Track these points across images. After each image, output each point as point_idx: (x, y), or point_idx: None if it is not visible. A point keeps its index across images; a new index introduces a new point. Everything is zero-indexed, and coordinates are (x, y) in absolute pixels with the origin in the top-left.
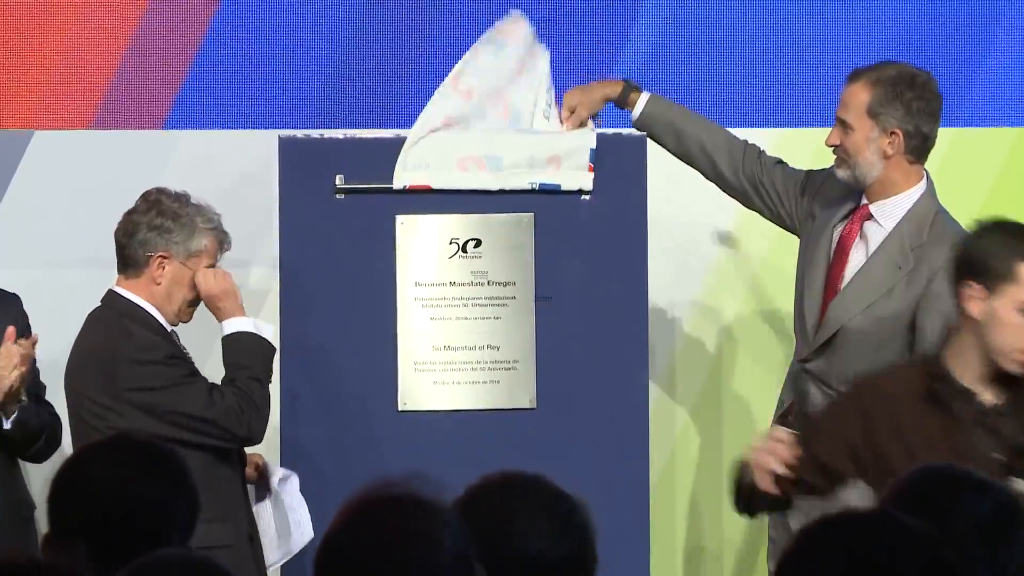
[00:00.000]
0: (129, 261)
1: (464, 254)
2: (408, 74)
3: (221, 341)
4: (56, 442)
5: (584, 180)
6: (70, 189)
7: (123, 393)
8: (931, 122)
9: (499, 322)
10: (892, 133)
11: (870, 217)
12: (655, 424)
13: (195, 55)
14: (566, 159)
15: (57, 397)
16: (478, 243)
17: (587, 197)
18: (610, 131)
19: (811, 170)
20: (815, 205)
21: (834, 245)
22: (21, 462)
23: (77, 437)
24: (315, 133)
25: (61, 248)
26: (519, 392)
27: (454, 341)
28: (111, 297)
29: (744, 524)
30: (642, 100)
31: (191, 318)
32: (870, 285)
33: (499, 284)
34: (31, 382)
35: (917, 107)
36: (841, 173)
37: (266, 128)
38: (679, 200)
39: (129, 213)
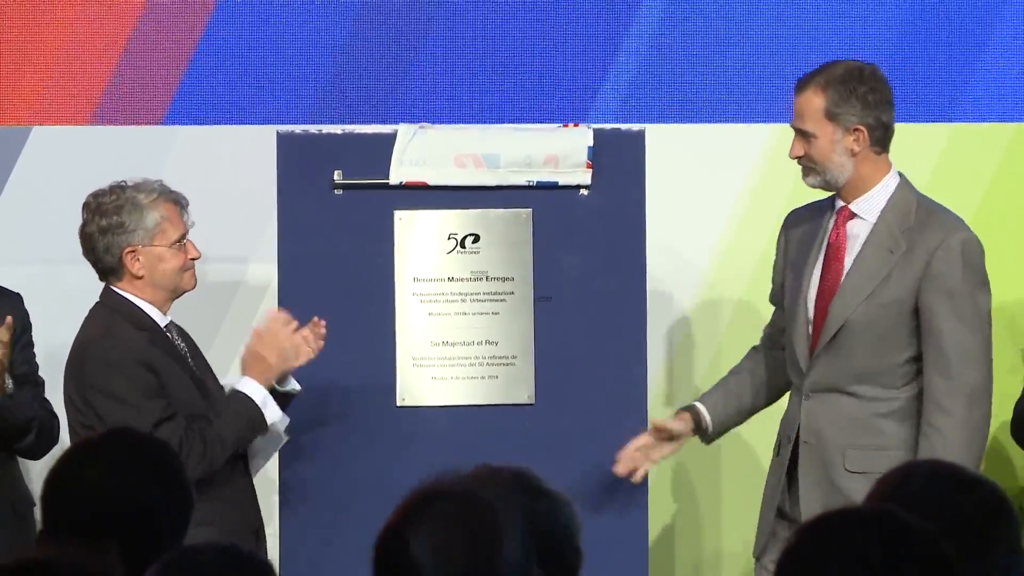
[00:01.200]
0: (106, 270)
1: (462, 250)
2: (407, 69)
3: (229, 389)
4: (52, 438)
5: (582, 178)
6: (69, 185)
7: (86, 390)
8: (888, 110)
9: (497, 318)
10: (855, 130)
11: (852, 216)
12: (653, 419)
13: (194, 50)
14: (563, 158)
15: (56, 393)
16: (476, 239)
17: (585, 193)
18: (608, 126)
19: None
20: (784, 252)
21: (823, 256)
22: (20, 460)
23: (71, 434)
24: (313, 128)
25: (60, 244)
26: (517, 388)
27: (452, 336)
28: (106, 293)
29: (743, 520)
30: (704, 419)
31: (195, 282)
32: (867, 274)
33: (497, 280)
34: (25, 372)
35: (872, 99)
36: (811, 181)
37: (264, 123)
38: (678, 195)
39: (80, 230)
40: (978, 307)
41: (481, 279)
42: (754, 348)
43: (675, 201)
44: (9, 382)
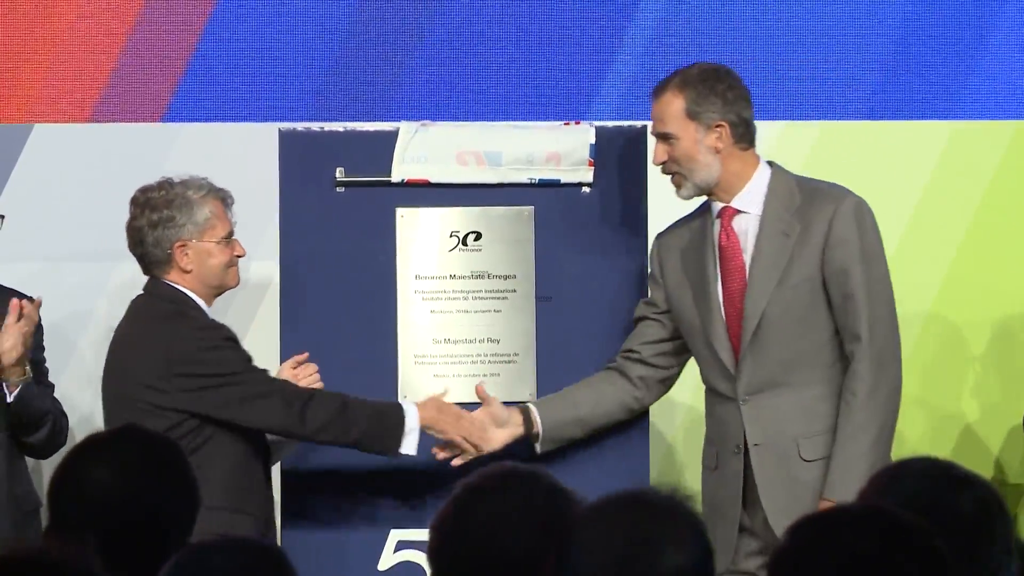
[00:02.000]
0: (153, 264)
1: (464, 247)
2: (408, 66)
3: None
4: (61, 436)
5: (584, 175)
6: (70, 182)
7: (185, 363)
8: (748, 107)
9: (499, 315)
10: (717, 127)
11: (736, 213)
12: (655, 419)
13: (194, 47)
14: (565, 156)
15: (59, 392)
16: (478, 236)
17: (587, 190)
18: (610, 124)
19: (650, 275)
20: (667, 273)
21: (718, 261)
22: (28, 459)
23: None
24: (315, 126)
25: (61, 242)
26: (519, 385)
27: (454, 334)
28: (156, 284)
29: None
30: (535, 423)
31: (238, 279)
32: (769, 263)
33: (499, 277)
34: (36, 372)
35: (731, 96)
36: (685, 192)
37: (266, 121)
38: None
39: (128, 224)
40: (883, 269)
41: (483, 277)
42: (607, 367)
43: (677, 199)
44: (28, 370)
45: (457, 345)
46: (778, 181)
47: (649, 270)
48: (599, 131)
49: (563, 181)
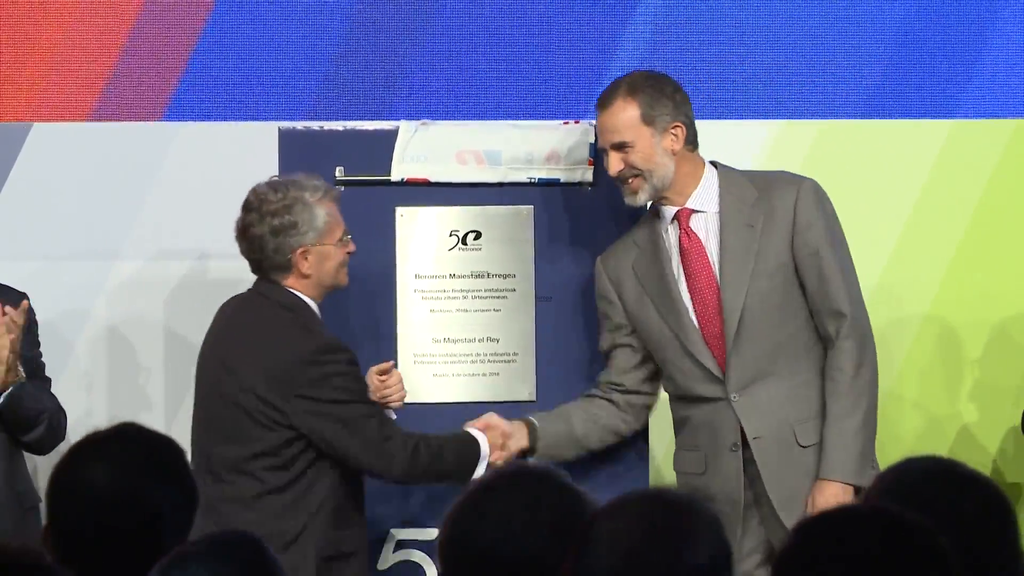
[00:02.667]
0: (271, 270)
1: (464, 246)
2: (408, 65)
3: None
4: (60, 433)
5: (584, 175)
6: (69, 181)
7: (318, 384)
8: (691, 109)
9: (499, 314)
10: (674, 128)
11: (692, 213)
12: (655, 418)
13: (194, 46)
14: (566, 155)
15: (57, 388)
16: (478, 235)
17: (588, 189)
18: None
19: (598, 297)
20: (624, 291)
21: (681, 265)
22: (27, 455)
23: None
24: (315, 125)
25: (60, 240)
26: (519, 385)
27: (454, 333)
28: (271, 288)
29: None
30: (536, 436)
31: (347, 278)
32: (740, 256)
33: (499, 276)
34: (33, 369)
35: (679, 98)
36: (642, 196)
37: (266, 120)
38: None
39: (244, 231)
40: (847, 249)
41: (482, 276)
42: (591, 394)
43: None
44: (21, 371)
45: (457, 344)
46: (728, 178)
47: (598, 294)
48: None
49: (563, 180)
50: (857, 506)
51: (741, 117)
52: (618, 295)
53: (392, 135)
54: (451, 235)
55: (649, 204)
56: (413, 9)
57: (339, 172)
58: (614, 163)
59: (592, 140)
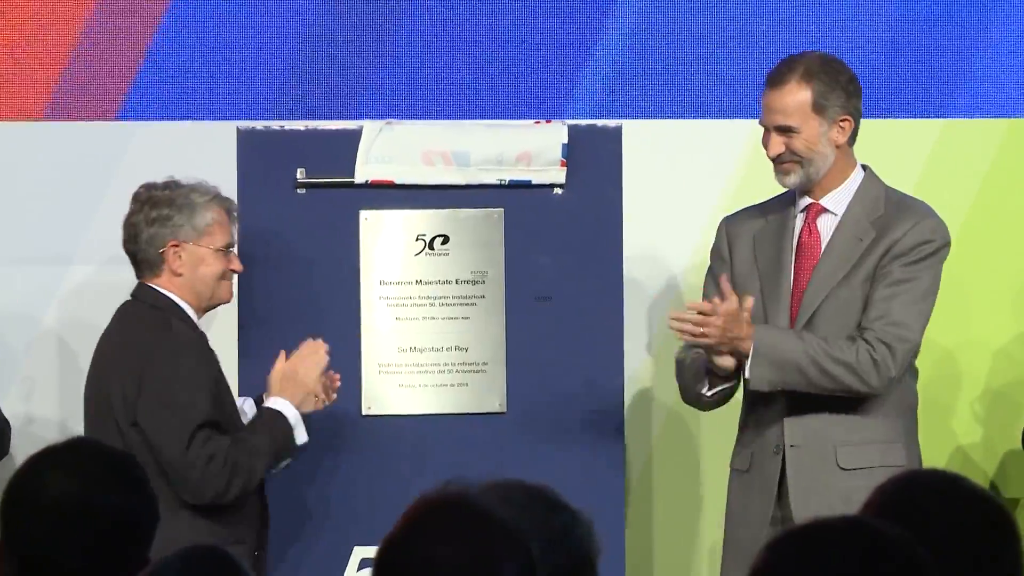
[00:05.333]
0: (144, 264)
1: (431, 251)
2: (373, 62)
3: (259, 408)
4: (4, 444)
5: (556, 176)
6: (19, 183)
7: (146, 385)
8: (860, 104)
9: (468, 322)
10: (843, 120)
11: (822, 211)
12: (631, 429)
13: (150, 42)
14: (537, 156)
15: (4, 402)
16: (446, 239)
17: (560, 192)
18: (583, 122)
19: (713, 253)
20: (736, 255)
21: (795, 257)
22: None
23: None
24: (275, 124)
25: (11, 244)
26: (488, 395)
27: (421, 342)
28: (144, 290)
29: (722, 534)
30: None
31: (231, 295)
32: (837, 263)
33: (468, 283)
34: None
35: (852, 88)
36: (792, 179)
37: (224, 119)
38: (657, 194)
39: (126, 220)
40: (930, 296)
41: (451, 282)
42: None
43: (654, 201)
44: None
45: (424, 354)
46: (868, 186)
47: (714, 251)
48: (572, 130)
49: (534, 182)
50: (834, 519)
51: (725, 116)
52: (731, 256)
53: (356, 135)
54: (417, 239)
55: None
56: (378, 4)
57: (300, 173)
58: (774, 145)
59: (565, 140)
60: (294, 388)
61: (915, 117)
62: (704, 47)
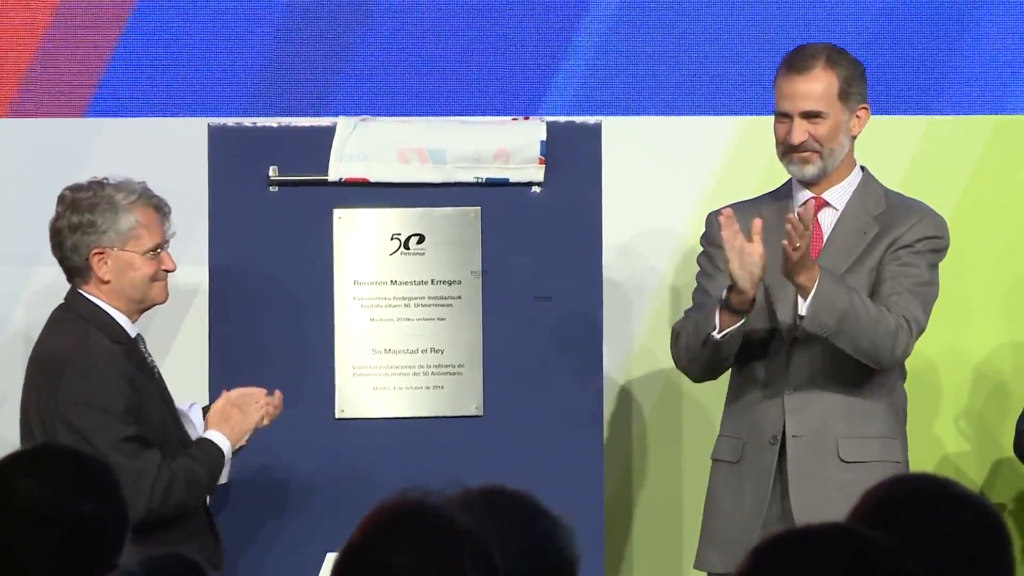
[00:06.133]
0: (72, 271)
1: (406, 250)
2: (347, 58)
3: (200, 439)
4: None
5: (534, 174)
6: None
7: (63, 404)
8: None
9: (444, 323)
10: (861, 110)
11: (824, 205)
12: (610, 432)
13: (119, 37)
14: (514, 153)
15: None
16: (421, 239)
17: (538, 190)
18: (562, 119)
19: (709, 245)
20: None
21: None
22: None
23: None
24: (247, 121)
25: None
26: (465, 398)
27: (395, 344)
28: (73, 297)
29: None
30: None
31: (166, 295)
32: (840, 255)
33: (444, 283)
34: None
35: (865, 79)
36: (810, 170)
37: (195, 116)
38: (637, 192)
39: (50, 224)
40: (933, 284)
41: (426, 282)
42: None
43: (634, 199)
44: None
45: (398, 356)
46: (867, 183)
47: (710, 243)
48: (551, 127)
49: (512, 180)
50: (820, 526)
51: (708, 113)
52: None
53: (330, 132)
54: (392, 239)
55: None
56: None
57: (273, 171)
58: (799, 132)
59: (543, 137)
60: (232, 427)
61: (900, 114)
62: (685, 43)
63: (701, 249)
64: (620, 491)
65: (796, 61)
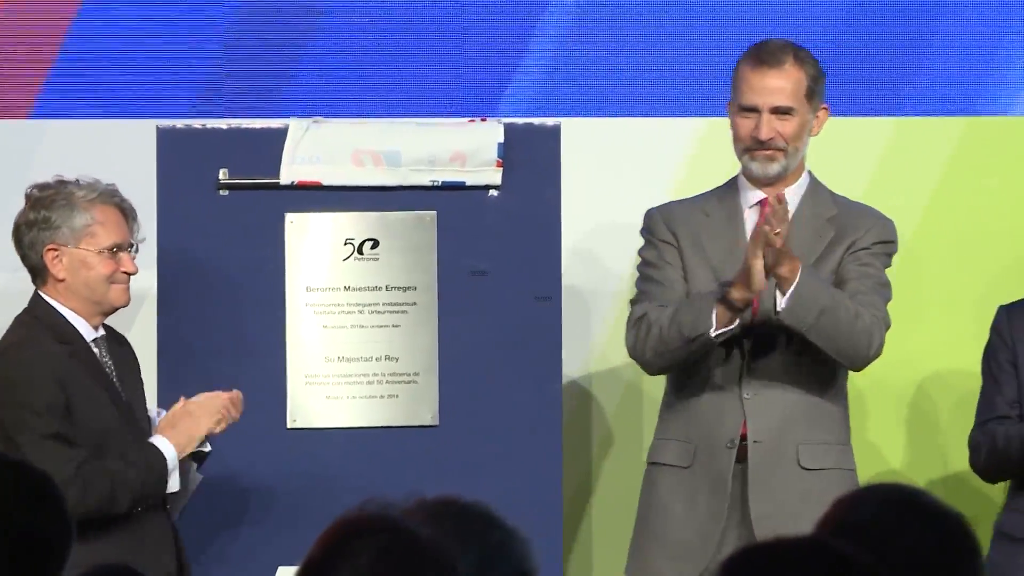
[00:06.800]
0: (32, 271)
1: (360, 256)
2: (299, 57)
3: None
4: None
5: (492, 177)
6: None
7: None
8: None
9: (398, 330)
10: (822, 110)
11: None
12: (569, 441)
13: (64, 36)
14: (471, 156)
15: None
16: (375, 244)
17: (495, 193)
18: (520, 121)
19: (656, 241)
20: (681, 241)
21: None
22: None
23: None
24: (196, 123)
25: None
26: (420, 407)
27: (349, 351)
28: (34, 299)
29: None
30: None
31: (126, 298)
32: (799, 255)
33: (399, 289)
34: None
35: (825, 80)
36: (774, 168)
37: (143, 117)
38: (597, 195)
39: (14, 222)
40: (888, 287)
41: (380, 288)
42: None
43: (594, 202)
44: None
45: (352, 364)
46: (816, 188)
47: (657, 239)
48: (509, 129)
49: (469, 183)
50: (793, 539)
51: (667, 114)
52: (676, 240)
53: (281, 134)
54: (346, 244)
55: (738, 178)
56: None
57: (223, 174)
58: (767, 127)
59: (501, 139)
60: (179, 432)
61: (866, 115)
62: (644, 43)
63: (644, 242)
64: (580, 500)
65: (765, 55)
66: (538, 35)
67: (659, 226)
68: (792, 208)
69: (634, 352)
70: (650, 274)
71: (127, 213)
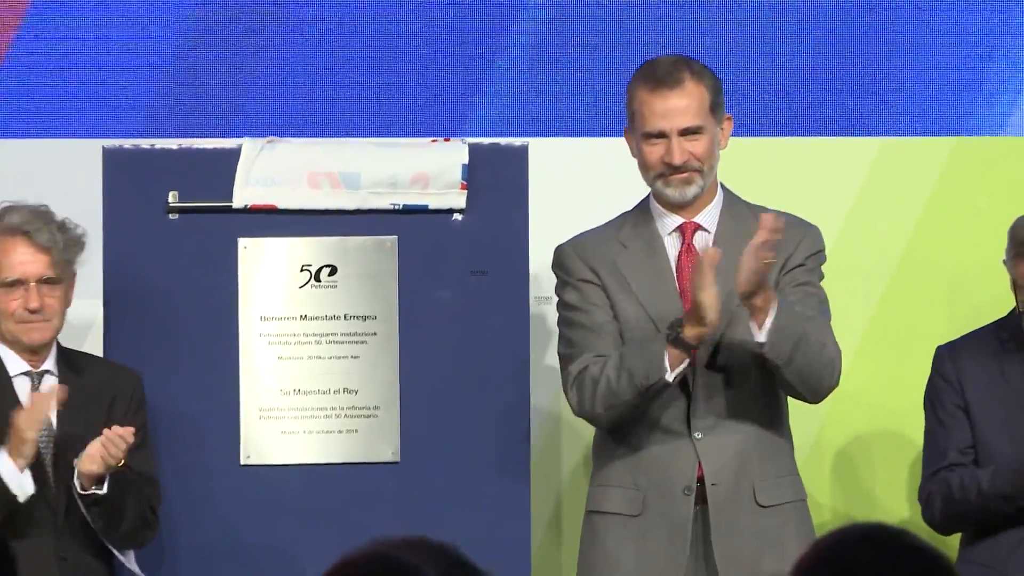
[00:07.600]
0: None
1: (317, 283)
2: (253, 75)
3: None
4: None
5: (456, 200)
6: None
7: None
8: None
9: (358, 362)
10: (727, 121)
11: (697, 229)
12: (537, 478)
13: (5, 52)
14: (434, 178)
15: None
16: (333, 270)
17: (459, 217)
18: (485, 141)
19: (574, 281)
20: (603, 277)
21: (677, 282)
22: None
23: None
24: (144, 143)
25: None
26: (380, 443)
27: (306, 384)
28: None
29: None
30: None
31: (41, 336)
32: (728, 280)
33: (358, 318)
34: None
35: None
36: (692, 191)
37: (89, 137)
38: (565, 218)
39: None
40: (827, 302)
41: (339, 318)
42: None
43: (562, 225)
44: None
45: (309, 397)
46: (732, 202)
47: (575, 277)
48: (473, 149)
49: (432, 207)
50: None
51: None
52: (598, 277)
53: (234, 155)
54: (302, 270)
55: (645, 204)
56: (258, 11)
57: (173, 197)
58: (679, 151)
59: (465, 161)
60: (7, 440)
61: (849, 135)
62: (613, 60)
63: (560, 282)
64: (549, 540)
65: (662, 75)
66: (504, 53)
67: (576, 264)
68: (712, 228)
69: (581, 410)
70: (577, 319)
71: (32, 239)
